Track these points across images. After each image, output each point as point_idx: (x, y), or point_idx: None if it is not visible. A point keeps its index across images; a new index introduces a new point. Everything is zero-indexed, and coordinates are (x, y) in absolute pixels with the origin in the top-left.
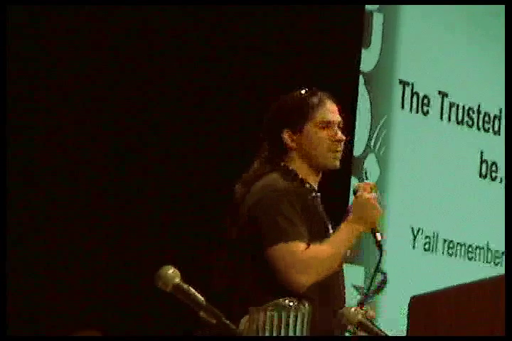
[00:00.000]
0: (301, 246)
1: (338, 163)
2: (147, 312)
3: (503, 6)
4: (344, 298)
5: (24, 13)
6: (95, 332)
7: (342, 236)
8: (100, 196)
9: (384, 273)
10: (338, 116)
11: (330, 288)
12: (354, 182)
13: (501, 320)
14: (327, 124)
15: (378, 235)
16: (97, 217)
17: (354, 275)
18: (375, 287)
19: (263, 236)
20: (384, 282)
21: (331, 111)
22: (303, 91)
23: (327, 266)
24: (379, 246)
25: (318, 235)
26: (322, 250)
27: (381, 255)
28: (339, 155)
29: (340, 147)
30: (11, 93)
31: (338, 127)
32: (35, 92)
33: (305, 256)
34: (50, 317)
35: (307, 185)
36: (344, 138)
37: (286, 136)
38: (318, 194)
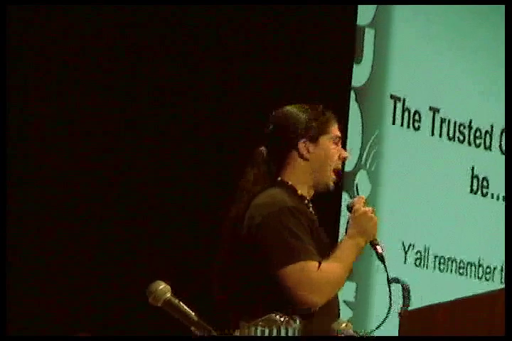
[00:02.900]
0: (314, 265)
1: (333, 184)
2: (139, 325)
3: (496, 22)
4: (339, 313)
5: (24, 14)
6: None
7: (347, 252)
8: (97, 206)
9: (403, 284)
10: None
11: (329, 304)
12: (345, 197)
13: (496, 334)
14: (338, 140)
15: (379, 248)
16: (91, 230)
17: (345, 291)
18: (402, 300)
19: (273, 256)
20: (407, 291)
21: (338, 127)
22: (315, 105)
23: (339, 284)
24: (381, 259)
25: (318, 251)
26: (334, 269)
27: (386, 267)
28: (336, 174)
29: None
30: (10, 93)
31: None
32: (34, 92)
33: (318, 276)
34: (49, 318)
35: (305, 201)
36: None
37: (301, 146)
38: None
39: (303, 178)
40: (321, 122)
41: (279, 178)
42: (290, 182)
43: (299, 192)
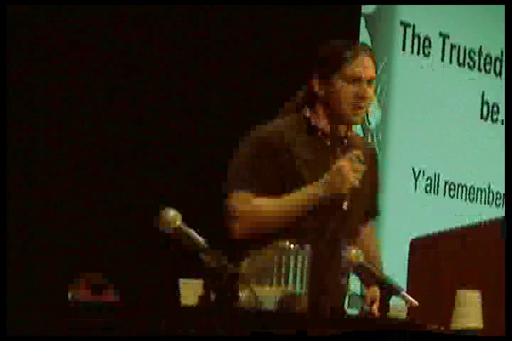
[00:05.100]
0: (245, 196)
1: (359, 120)
2: (145, 259)
3: None
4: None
5: (24, 14)
6: (97, 275)
7: (297, 197)
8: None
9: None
10: (371, 71)
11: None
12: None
13: (500, 261)
14: (356, 79)
15: (344, 204)
16: (97, 163)
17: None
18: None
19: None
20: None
21: (363, 66)
22: (339, 42)
23: (267, 221)
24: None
25: (292, 185)
26: (266, 206)
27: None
28: (361, 111)
29: (364, 104)
30: (10, 93)
31: (369, 84)
32: (33, 92)
33: (243, 207)
34: (49, 316)
35: (319, 133)
36: (371, 96)
37: (314, 83)
38: (345, 141)
39: (321, 114)
40: (333, 60)
41: (302, 111)
42: (308, 114)
43: (315, 123)
